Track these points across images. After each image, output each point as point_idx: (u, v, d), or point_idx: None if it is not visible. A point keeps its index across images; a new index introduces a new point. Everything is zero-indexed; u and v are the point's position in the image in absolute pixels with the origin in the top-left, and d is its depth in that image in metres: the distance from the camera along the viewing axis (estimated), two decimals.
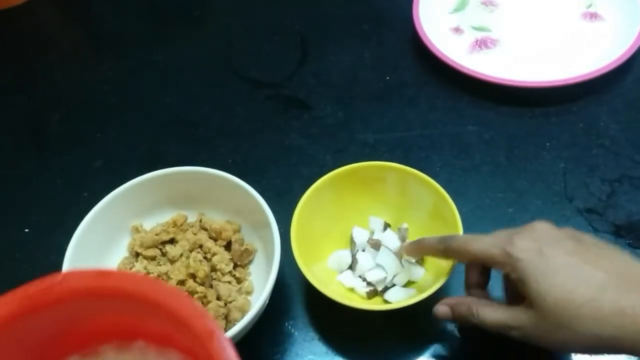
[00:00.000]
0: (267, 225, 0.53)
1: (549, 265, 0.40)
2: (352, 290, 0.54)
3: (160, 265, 0.57)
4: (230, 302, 0.54)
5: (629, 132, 0.66)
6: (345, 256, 0.56)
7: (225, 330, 0.52)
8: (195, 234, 0.58)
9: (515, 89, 0.68)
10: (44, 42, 0.87)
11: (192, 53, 0.81)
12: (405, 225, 0.57)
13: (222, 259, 0.56)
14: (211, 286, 0.55)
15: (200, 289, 0.54)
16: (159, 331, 0.36)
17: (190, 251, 0.57)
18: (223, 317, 0.53)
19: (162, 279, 0.55)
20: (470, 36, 0.77)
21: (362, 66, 0.76)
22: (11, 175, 0.71)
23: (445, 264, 0.50)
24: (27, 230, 0.65)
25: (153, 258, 0.57)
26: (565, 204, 0.60)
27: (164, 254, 0.58)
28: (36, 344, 0.36)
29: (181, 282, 0.54)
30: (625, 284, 0.39)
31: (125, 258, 0.58)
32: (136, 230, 0.59)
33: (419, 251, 0.52)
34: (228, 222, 0.59)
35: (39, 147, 0.74)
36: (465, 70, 0.70)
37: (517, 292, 0.43)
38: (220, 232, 0.57)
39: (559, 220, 0.59)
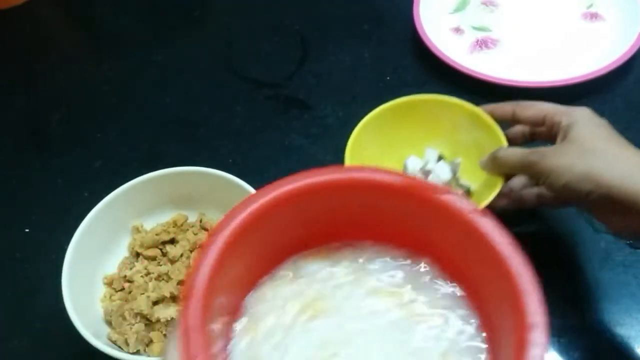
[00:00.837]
0: None
1: (595, 132, 0.49)
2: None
3: (160, 265, 0.57)
4: None
5: (629, 132, 0.65)
6: None
7: None
8: (195, 234, 0.58)
9: (516, 89, 0.68)
10: (44, 42, 0.87)
11: (192, 53, 0.81)
12: (458, 160, 0.59)
13: None
14: None
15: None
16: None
17: (191, 251, 0.57)
18: None
19: (163, 279, 0.55)
20: (471, 36, 0.77)
21: (362, 66, 0.76)
22: (11, 175, 0.71)
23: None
24: (27, 230, 0.65)
25: (153, 258, 0.57)
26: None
27: (164, 254, 0.58)
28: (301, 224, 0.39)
29: (181, 282, 0.54)
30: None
31: (126, 258, 0.58)
32: (137, 230, 0.59)
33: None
34: None
35: (39, 147, 0.74)
36: (465, 71, 0.70)
37: None
38: None
39: (560, 220, 0.59)
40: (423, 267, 0.39)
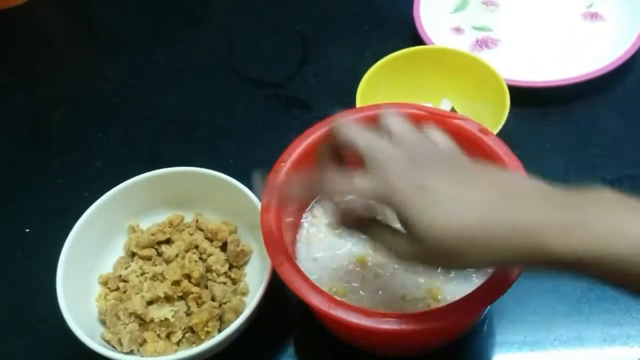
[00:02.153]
0: None
1: (432, 197, 0.36)
2: None
3: (155, 265, 0.57)
4: (225, 303, 0.54)
5: (629, 132, 0.66)
6: None
7: (219, 331, 0.52)
8: (191, 235, 0.58)
9: (516, 89, 0.68)
10: (44, 42, 0.87)
11: (193, 53, 0.81)
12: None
13: (217, 259, 0.56)
14: (206, 287, 0.55)
15: (195, 289, 0.54)
16: None
17: (186, 251, 0.57)
18: (217, 318, 0.53)
19: (157, 279, 0.55)
20: (471, 36, 0.77)
21: (363, 66, 0.76)
22: (11, 175, 0.71)
23: None
24: (27, 230, 0.65)
25: (149, 258, 0.57)
26: None
27: (159, 254, 0.58)
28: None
29: (176, 283, 0.54)
30: (512, 200, 0.35)
31: (121, 257, 0.58)
32: (132, 230, 0.59)
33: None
34: (224, 222, 0.59)
35: (39, 147, 0.74)
36: None
37: None
38: (216, 233, 0.57)
39: None
40: None
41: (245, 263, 0.58)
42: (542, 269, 0.36)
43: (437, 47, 0.66)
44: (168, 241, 0.58)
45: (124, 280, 0.56)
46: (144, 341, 0.52)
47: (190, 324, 0.52)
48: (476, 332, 0.54)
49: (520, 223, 0.34)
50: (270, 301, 0.51)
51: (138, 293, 0.54)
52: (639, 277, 0.32)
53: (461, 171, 0.38)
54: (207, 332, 0.52)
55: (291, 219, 0.52)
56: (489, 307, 0.47)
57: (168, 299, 0.54)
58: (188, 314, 0.53)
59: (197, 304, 0.54)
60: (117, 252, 0.59)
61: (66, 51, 0.86)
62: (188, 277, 0.54)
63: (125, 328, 0.52)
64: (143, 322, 0.53)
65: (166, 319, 0.52)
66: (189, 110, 0.74)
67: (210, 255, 0.56)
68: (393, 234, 0.39)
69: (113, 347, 0.52)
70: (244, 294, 0.56)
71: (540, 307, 0.54)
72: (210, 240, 0.58)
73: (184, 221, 0.60)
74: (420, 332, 0.41)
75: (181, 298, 0.54)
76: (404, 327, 0.41)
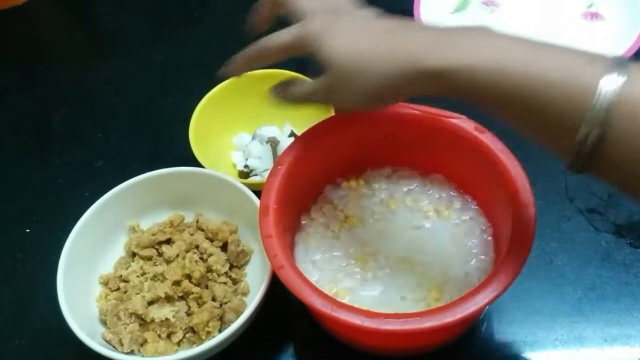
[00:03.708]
0: None
1: (341, 27, 0.44)
2: (234, 165, 0.66)
3: (156, 265, 0.57)
4: (226, 303, 0.54)
5: None
6: (245, 138, 0.67)
7: (220, 331, 0.52)
8: (191, 235, 0.58)
9: None
10: (44, 42, 0.87)
11: (193, 53, 0.81)
12: None
13: (217, 259, 0.56)
14: (207, 287, 0.55)
15: (195, 289, 0.54)
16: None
17: (187, 252, 0.57)
18: (218, 318, 0.53)
19: (158, 279, 0.55)
20: None
21: None
22: (12, 174, 0.71)
23: None
24: (27, 230, 0.65)
25: (149, 258, 0.57)
26: (566, 204, 0.60)
27: (160, 254, 0.58)
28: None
29: (177, 283, 0.54)
30: (404, 29, 0.43)
31: (122, 257, 0.58)
32: (133, 230, 0.59)
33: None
34: (225, 223, 0.59)
35: (39, 147, 0.74)
36: None
37: None
38: (217, 233, 0.57)
39: (560, 220, 0.59)
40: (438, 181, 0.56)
41: (246, 263, 0.58)
42: (421, 85, 0.40)
43: (274, 72, 0.63)
44: (168, 241, 0.58)
45: (125, 281, 0.56)
46: (145, 341, 0.52)
47: (191, 324, 0.52)
48: (476, 332, 0.54)
49: (400, 45, 0.41)
50: (271, 301, 0.51)
51: (139, 293, 0.54)
52: (487, 90, 0.36)
53: (366, 16, 0.46)
54: (208, 332, 0.52)
55: (289, 222, 0.53)
56: (488, 306, 0.47)
57: (169, 299, 0.54)
58: (189, 314, 0.53)
59: (198, 304, 0.54)
60: (118, 252, 0.59)
61: (66, 51, 0.86)
62: (189, 277, 0.54)
63: (125, 328, 0.52)
64: (144, 322, 0.53)
65: (167, 319, 0.52)
66: (189, 110, 0.74)
67: (210, 255, 0.56)
68: (304, 82, 0.49)
69: (114, 347, 0.52)
70: (245, 294, 0.56)
71: (540, 307, 0.54)
72: (211, 241, 0.58)
73: (185, 221, 0.60)
74: (421, 332, 0.41)
75: (182, 298, 0.54)
76: (405, 327, 0.41)
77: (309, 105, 0.50)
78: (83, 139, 0.73)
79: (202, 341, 0.52)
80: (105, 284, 0.57)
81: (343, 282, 0.51)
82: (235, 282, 0.57)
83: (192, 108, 0.64)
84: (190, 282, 0.54)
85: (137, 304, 0.53)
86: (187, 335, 0.53)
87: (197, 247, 0.57)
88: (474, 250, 0.51)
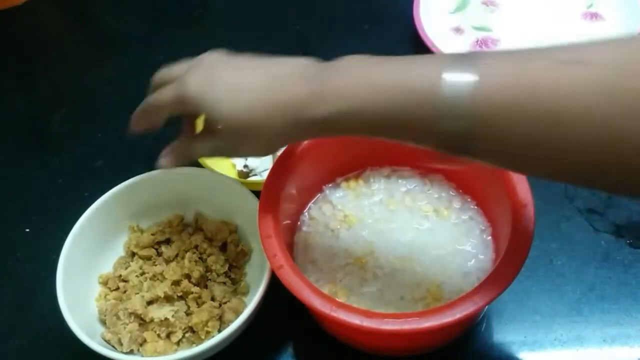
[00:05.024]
0: None
1: (219, 87, 0.44)
2: (233, 165, 0.65)
3: (155, 265, 0.57)
4: (225, 302, 0.54)
5: None
6: None
7: (219, 331, 0.52)
8: (191, 235, 0.58)
9: None
10: (44, 42, 0.87)
11: (193, 53, 0.81)
12: None
13: (217, 259, 0.56)
14: (206, 287, 0.55)
15: (194, 289, 0.54)
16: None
17: (186, 252, 0.57)
18: (217, 318, 0.53)
19: (157, 279, 0.55)
20: (471, 36, 0.77)
21: None
22: (12, 174, 0.71)
23: None
24: (27, 230, 0.65)
25: (149, 258, 0.57)
26: (565, 204, 0.60)
27: (159, 254, 0.58)
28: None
29: (176, 283, 0.54)
30: (278, 77, 0.43)
31: (121, 257, 0.58)
32: (132, 230, 0.59)
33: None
34: (224, 222, 0.59)
35: (39, 147, 0.74)
36: None
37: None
38: (216, 233, 0.57)
39: (560, 220, 0.59)
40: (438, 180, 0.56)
41: (245, 263, 0.58)
42: (315, 131, 0.41)
43: None
44: (168, 241, 0.58)
45: (124, 280, 0.56)
46: (144, 341, 0.52)
47: (190, 324, 0.52)
48: (476, 332, 0.54)
49: (282, 96, 0.41)
50: (270, 301, 0.51)
51: (138, 293, 0.54)
52: (369, 124, 0.38)
53: (237, 61, 0.48)
54: (207, 332, 0.52)
55: (288, 222, 0.53)
56: (488, 306, 0.47)
57: (168, 298, 0.54)
58: (188, 313, 0.53)
59: (197, 304, 0.54)
60: (117, 251, 0.59)
61: (66, 51, 0.86)
62: (188, 277, 0.54)
63: (125, 328, 0.52)
64: (143, 322, 0.53)
65: (166, 319, 0.52)
66: None
67: (210, 255, 0.56)
68: (193, 137, 0.50)
69: (113, 347, 0.52)
70: (244, 293, 0.56)
71: (539, 307, 0.54)
72: (210, 240, 0.58)
73: (184, 221, 0.60)
74: (420, 332, 0.41)
75: (181, 298, 0.54)
76: (405, 327, 0.41)
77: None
78: (83, 139, 0.73)
79: (201, 341, 0.51)
80: (104, 283, 0.57)
81: (342, 282, 0.51)
82: (234, 282, 0.56)
83: None
84: (190, 282, 0.54)
85: (136, 303, 0.52)
86: (187, 335, 0.53)
87: (196, 247, 0.57)
88: (473, 250, 0.51)
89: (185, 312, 0.53)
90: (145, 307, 0.53)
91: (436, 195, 0.55)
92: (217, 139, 0.46)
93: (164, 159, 0.53)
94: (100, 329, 0.54)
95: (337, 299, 0.44)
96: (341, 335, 0.52)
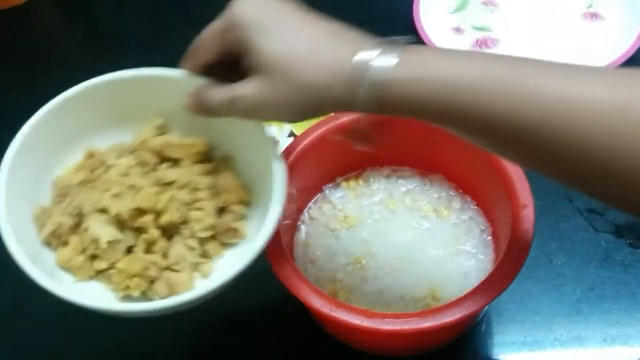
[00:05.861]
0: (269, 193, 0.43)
1: (272, 16, 0.39)
2: None
3: (145, 173, 0.46)
4: (174, 269, 0.44)
5: None
6: None
7: (143, 295, 0.44)
8: (202, 174, 0.47)
9: None
10: (44, 42, 0.87)
11: None
12: None
13: (203, 218, 0.45)
14: (169, 238, 0.45)
15: (153, 232, 0.44)
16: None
17: (180, 187, 0.46)
18: (148, 280, 0.43)
19: (132, 188, 0.45)
20: (471, 36, 0.77)
21: None
22: None
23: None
24: None
25: (146, 163, 0.47)
26: (565, 203, 0.60)
27: (153, 169, 0.47)
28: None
29: (140, 211, 0.44)
30: (344, 39, 0.39)
31: (119, 145, 0.49)
32: (153, 125, 0.48)
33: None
34: (243, 185, 0.48)
35: None
36: None
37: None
38: (230, 193, 0.46)
39: (560, 220, 0.59)
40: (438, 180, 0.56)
41: (227, 247, 0.47)
42: (363, 101, 0.37)
43: None
44: (176, 161, 0.47)
45: (106, 166, 0.47)
46: (63, 243, 0.44)
47: (116, 265, 0.43)
48: (476, 332, 0.54)
49: (352, 55, 0.37)
50: (270, 301, 0.51)
51: (107, 190, 0.45)
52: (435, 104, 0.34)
53: (299, 12, 0.41)
54: (125, 287, 0.43)
55: (288, 221, 0.53)
56: (487, 306, 0.47)
57: (120, 222, 0.44)
58: (124, 252, 0.44)
59: (143, 249, 0.44)
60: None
61: (66, 51, 0.85)
62: (157, 213, 0.44)
63: (58, 217, 0.44)
64: (76, 225, 0.44)
65: (96, 240, 0.43)
66: None
67: (199, 209, 0.46)
68: (228, 86, 0.41)
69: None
70: (204, 275, 0.45)
71: (539, 307, 0.54)
72: (215, 194, 0.47)
73: (211, 152, 0.49)
74: (420, 332, 0.41)
75: (133, 230, 0.44)
76: (405, 327, 0.41)
77: (231, 116, 0.41)
78: None
79: (109, 285, 0.44)
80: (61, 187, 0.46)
81: (342, 282, 0.51)
82: (204, 255, 0.46)
83: None
84: (156, 220, 0.44)
85: (91, 199, 0.44)
86: (109, 272, 0.44)
87: (196, 189, 0.46)
88: (473, 250, 0.51)
89: (123, 246, 0.44)
90: (91, 213, 0.44)
91: (436, 195, 0.55)
92: (245, 85, 0.39)
93: (187, 97, 0.44)
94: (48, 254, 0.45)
95: (337, 299, 0.44)
96: (341, 335, 0.52)
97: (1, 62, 0.84)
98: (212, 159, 0.49)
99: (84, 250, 0.44)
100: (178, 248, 0.45)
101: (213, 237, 0.46)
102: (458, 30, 0.78)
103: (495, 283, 0.42)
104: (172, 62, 0.81)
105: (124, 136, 0.49)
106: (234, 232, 0.46)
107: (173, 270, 0.44)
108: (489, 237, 0.52)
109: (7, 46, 0.86)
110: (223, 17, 0.41)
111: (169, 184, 0.45)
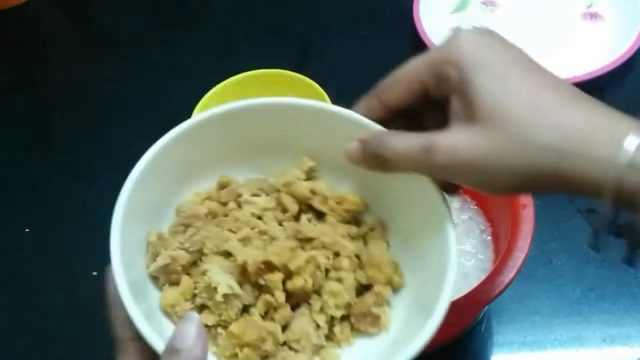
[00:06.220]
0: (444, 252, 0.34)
1: (499, 67, 0.31)
2: None
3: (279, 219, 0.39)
4: (292, 348, 0.35)
5: None
6: None
7: None
8: (354, 237, 0.39)
9: None
10: (44, 42, 0.87)
11: (193, 53, 0.81)
12: None
13: (342, 290, 0.36)
14: (294, 308, 0.36)
15: (280, 296, 0.35)
16: None
17: (318, 248, 0.37)
18: (258, 354, 0.34)
19: (265, 239, 0.37)
20: None
21: (363, 66, 0.76)
22: (11, 175, 0.71)
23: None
24: (27, 230, 0.65)
25: (284, 210, 0.39)
26: (565, 203, 0.60)
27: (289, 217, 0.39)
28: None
29: (270, 266, 0.35)
30: (594, 106, 0.31)
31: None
32: (224, 185, 0.40)
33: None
34: (393, 265, 0.38)
35: (39, 147, 0.74)
36: None
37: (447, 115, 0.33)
38: (381, 267, 0.37)
39: (559, 220, 0.59)
40: None
41: (359, 335, 0.37)
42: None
43: (275, 71, 0.60)
44: (319, 214, 0.39)
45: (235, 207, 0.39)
46: (175, 283, 0.36)
47: (227, 327, 0.35)
48: (475, 332, 0.54)
49: (607, 127, 0.30)
50: None
51: (234, 232, 0.37)
52: None
53: (528, 59, 0.34)
54: (232, 356, 0.34)
55: None
56: (487, 306, 0.47)
57: (244, 273, 0.35)
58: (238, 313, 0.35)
59: (262, 314, 0.35)
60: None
61: (66, 51, 0.86)
62: (289, 273, 0.35)
63: (175, 251, 0.36)
64: (192, 265, 0.36)
65: (215, 289, 0.34)
66: (189, 111, 0.74)
67: (338, 280, 0.36)
68: (424, 134, 0.32)
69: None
70: (337, 344, 0.36)
71: (539, 307, 0.54)
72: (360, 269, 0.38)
73: (363, 214, 0.40)
74: None
75: (256, 288, 0.35)
76: None
77: (417, 171, 0.33)
78: (82, 139, 0.73)
79: (212, 347, 0.35)
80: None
81: None
82: (330, 338, 0.36)
83: (192, 108, 0.64)
84: (285, 283, 0.35)
85: (222, 238, 0.36)
86: (213, 330, 0.35)
87: (337, 254, 0.37)
88: (473, 250, 0.51)
89: (239, 303, 0.35)
90: (212, 255, 0.36)
91: None
92: (451, 134, 0.31)
93: (352, 142, 0.36)
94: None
95: None
96: None
97: (1, 62, 0.84)
98: (362, 223, 0.40)
99: (194, 297, 0.35)
100: (303, 322, 0.35)
101: (346, 319, 0.37)
102: None
103: (495, 283, 0.42)
104: (172, 62, 0.81)
105: (265, 172, 0.41)
106: (374, 320, 0.36)
107: (291, 348, 0.35)
108: (489, 237, 0.52)
109: (7, 46, 0.86)
110: (434, 52, 0.34)
111: (308, 240, 0.37)
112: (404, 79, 0.35)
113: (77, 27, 0.90)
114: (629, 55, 0.69)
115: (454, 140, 0.31)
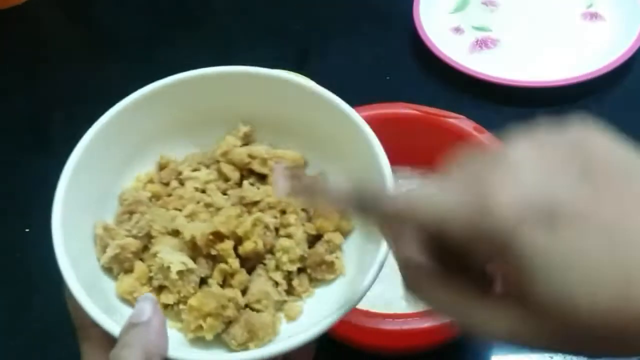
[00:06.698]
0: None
1: (562, 245, 0.22)
2: None
3: (225, 189, 0.40)
4: (254, 308, 0.36)
5: (629, 132, 0.66)
6: None
7: (217, 337, 0.35)
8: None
9: (516, 89, 0.68)
10: (44, 42, 0.87)
11: (193, 53, 0.81)
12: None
13: (293, 244, 0.36)
14: (250, 271, 0.37)
15: (234, 262, 0.35)
16: None
17: (264, 209, 0.38)
18: (224, 321, 0.35)
19: (210, 210, 0.38)
20: (471, 36, 0.77)
21: (362, 66, 0.76)
22: (11, 175, 0.71)
23: None
24: (27, 230, 0.65)
25: (227, 179, 0.40)
26: None
27: (238, 183, 0.40)
28: None
29: (218, 236, 0.35)
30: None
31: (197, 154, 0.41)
32: (163, 166, 0.41)
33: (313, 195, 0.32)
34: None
35: (39, 147, 0.74)
36: (465, 70, 0.70)
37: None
38: (329, 221, 0.38)
39: None
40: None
41: (318, 284, 0.38)
42: None
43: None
44: (264, 177, 0.40)
45: (180, 182, 0.40)
46: (127, 270, 0.37)
47: (185, 299, 0.35)
48: None
49: None
50: None
51: (180, 210, 0.38)
52: None
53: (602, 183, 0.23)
54: (197, 327, 0.34)
55: None
56: None
57: (194, 247, 0.36)
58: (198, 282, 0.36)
59: (220, 283, 0.36)
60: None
61: (66, 51, 0.86)
62: (239, 239, 0.36)
63: (122, 239, 0.37)
64: (142, 250, 0.37)
65: (168, 268, 0.34)
66: None
67: (287, 237, 0.37)
68: (473, 297, 0.24)
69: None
70: (290, 317, 0.37)
71: None
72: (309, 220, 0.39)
73: (305, 169, 0.41)
74: (421, 332, 0.41)
75: (210, 259, 0.36)
76: (405, 327, 0.41)
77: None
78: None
79: (177, 323, 0.36)
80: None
81: None
82: (290, 292, 0.37)
83: None
84: (237, 249, 0.36)
85: (163, 217, 0.37)
86: (175, 308, 0.36)
87: (283, 212, 0.38)
88: None
89: (196, 277, 0.35)
90: (161, 236, 0.37)
91: None
92: (498, 317, 0.24)
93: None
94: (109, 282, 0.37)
95: None
96: (340, 335, 0.52)
97: (1, 62, 0.84)
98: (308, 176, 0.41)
99: (150, 280, 0.36)
100: (260, 283, 0.36)
101: (302, 272, 0.38)
102: (458, 30, 0.78)
103: None
104: (172, 62, 0.81)
105: (204, 145, 0.42)
106: (329, 267, 0.37)
107: (253, 309, 0.36)
108: None
109: (7, 46, 0.86)
110: (469, 212, 0.24)
111: (254, 204, 0.38)
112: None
113: (77, 27, 0.90)
114: (629, 55, 0.69)
115: (500, 325, 0.24)
